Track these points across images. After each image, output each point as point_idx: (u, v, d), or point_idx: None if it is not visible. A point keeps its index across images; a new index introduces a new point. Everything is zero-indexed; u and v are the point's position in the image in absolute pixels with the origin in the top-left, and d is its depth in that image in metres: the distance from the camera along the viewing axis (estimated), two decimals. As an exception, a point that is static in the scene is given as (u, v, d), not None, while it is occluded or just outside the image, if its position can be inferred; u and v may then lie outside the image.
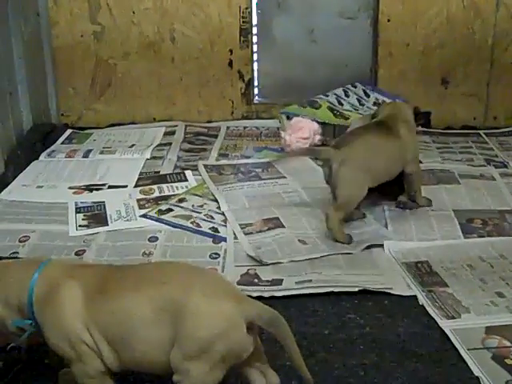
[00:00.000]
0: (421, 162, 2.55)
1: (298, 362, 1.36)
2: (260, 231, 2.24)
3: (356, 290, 1.89)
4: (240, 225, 2.27)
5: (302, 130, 2.99)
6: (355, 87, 3.37)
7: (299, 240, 2.17)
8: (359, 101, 3.31)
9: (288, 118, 3.10)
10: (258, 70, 3.52)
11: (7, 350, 1.50)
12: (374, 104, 3.03)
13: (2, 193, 2.57)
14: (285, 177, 2.69)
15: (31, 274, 1.39)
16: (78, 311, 1.34)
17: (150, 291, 1.32)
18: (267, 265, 2.03)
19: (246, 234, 2.22)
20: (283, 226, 2.26)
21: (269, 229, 2.25)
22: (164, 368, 1.32)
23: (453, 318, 1.75)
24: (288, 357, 1.37)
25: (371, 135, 2.26)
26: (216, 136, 3.29)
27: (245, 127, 3.42)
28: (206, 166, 2.80)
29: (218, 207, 2.41)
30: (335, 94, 3.29)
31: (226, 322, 1.29)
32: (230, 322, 1.29)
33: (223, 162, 2.89)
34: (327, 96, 3.28)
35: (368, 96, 3.33)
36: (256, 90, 3.55)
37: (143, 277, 1.38)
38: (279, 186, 2.61)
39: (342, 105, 3.26)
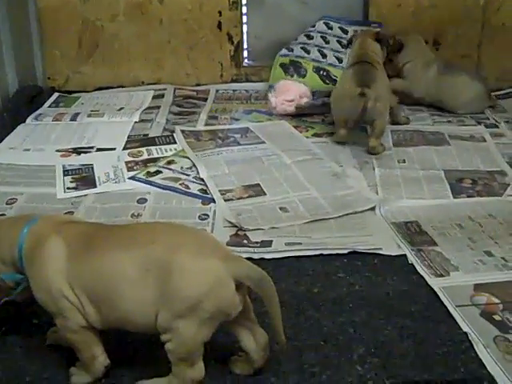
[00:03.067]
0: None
1: (277, 325, 1.35)
2: (240, 198, 2.21)
3: (346, 252, 1.89)
4: (220, 191, 2.24)
5: (288, 92, 2.98)
6: (314, 26, 3.36)
7: (280, 208, 2.15)
8: (339, 42, 3.29)
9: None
10: (247, 32, 3.48)
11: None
12: (346, 46, 3.02)
13: (-11, 156, 2.55)
14: (264, 142, 2.66)
15: (21, 229, 1.39)
16: (61, 267, 1.33)
17: (135, 250, 1.31)
18: (248, 231, 2.01)
19: (226, 200, 2.19)
20: (264, 194, 2.24)
21: (249, 196, 2.22)
22: (149, 327, 1.31)
23: (441, 275, 1.76)
24: (269, 318, 1.36)
25: (376, 70, 2.56)
26: (205, 99, 3.26)
27: (234, 90, 3.39)
28: (183, 132, 2.76)
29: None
30: (316, 46, 3.27)
31: (214, 279, 1.28)
32: (218, 279, 1.29)
33: (201, 128, 2.84)
34: (309, 53, 3.24)
35: (346, 32, 3.31)
36: (245, 53, 3.51)
37: (129, 236, 1.36)
38: (259, 150, 2.58)
39: (325, 57, 3.23)
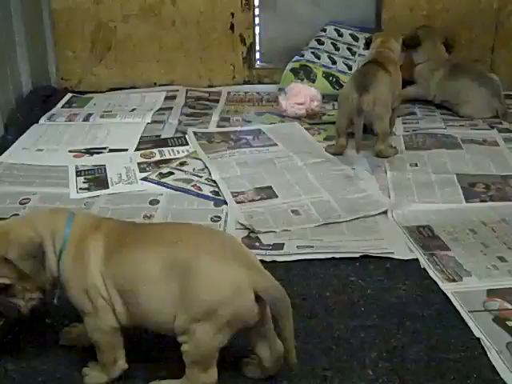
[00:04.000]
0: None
1: (289, 346, 1.35)
2: (252, 200, 2.22)
3: (358, 255, 1.89)
4: (232, 193, 2.25)
5: (298, 95, 2.98)
6: (325, 31, 3.39)
7: (292, 210, 2.15)
8: (350, 50, 3.30)
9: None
10: (259, 34, 3.48)
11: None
12: (366, 44, 3.00)
13: (2, 156, 2.56)
14: (276, 144, 2.66)
15: (63, 225, 1.37)
16: (99, 264, 1.34)
17: (161, 250, 1.31)
18: (260, 233, 2.01)
19: (238, 202, 2.20)
20: (276, 196, 2.24)
21: (261, 199, 2.23)
22: (168, 327, 1.31)
23: (454, 280, 1.75)
24: (281, 337, 1.35)
25: (381, 72, 2.51)
26: (217, 101, 3.26)
27: (246, 92, 3.40)
28: (195, 134, 2.77)
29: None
30: (326, 52, 3.28)
31: (234, 287, 1.28)
32: (238, 287, 1.28)
33: (213, 129, 2.85)
34: (319, 58, 3.25)
35: (357, 39, 3.31)
36: (258, 55, 3.51)
37: (157, 235, 1.37)
38: (271, 152, 2.58)
39: (335, 63, 3.24)
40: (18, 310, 1.36)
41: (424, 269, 1.82)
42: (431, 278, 1.77)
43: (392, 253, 1.90)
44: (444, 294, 1.70)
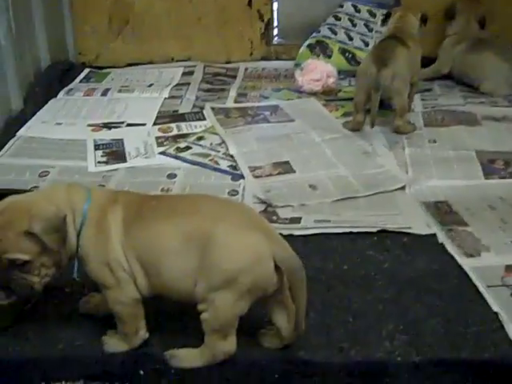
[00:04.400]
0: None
1: (299, 316, 1.35)
2: (270, 175, 2.22)
3: (375, 230, 1.88)
4: (249, 168, 2.25)
5: (315, 71, 2.96)
6: (342, 6, 3.36)
7: (310, 185, 2.15)
8: (367, 26, 3.27)
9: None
10: (277, 9, 3.46)
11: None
12: (384, 20, 2.96)
13: (22, 129, 2.58)
14: (293, 120, 2.65)
15: (81, 200, 1.37)
16: (119, 237, 1.34)
17: (180, 221, 1.32)
18: (277, 207, 2.01)
19: (255, 177, 2.20)
20: (293, 171, 2.24)
21: (279, 173, 2.23)
22: (190, 296, 1.32)
23: (472, 256, 1.75)
24: (293, 307, 1.36)
25: (400, 47, 2.49)
26: (234, 77, 3.25)
27: (263, 68, 3.38)
28: (213, 109, 2.76)
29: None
30: (343, 28, 3.25)
31: (254, 255, 1.29)
32: (258, 256, 1.29)
33: (230, 105, 2.85)
34: (336, 34, 3.23)
35: (374, 16, 3.29)
36: (275, 31, 3.49)
37: (176, 206, 1.38)
38: (288, 128, 2.57)
39: (352, 39, 3.21)
40: (31, 288, 1.34)
41: (442, 244, 1.81)
42: (449, 253, 1.77)
43: (409, 228, 1.90)
44: (462, 268, 1.70)
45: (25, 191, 1.51)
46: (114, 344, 1.42)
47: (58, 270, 1.38)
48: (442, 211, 1.97)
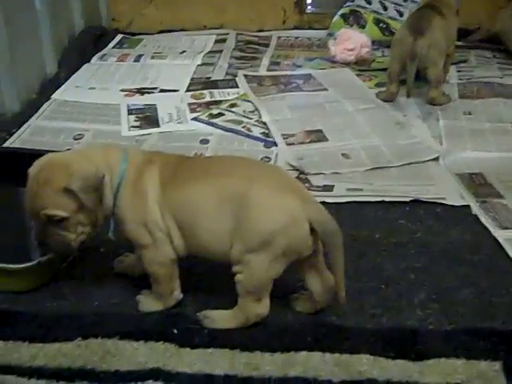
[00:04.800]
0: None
1: (339, 280, 1.35)
2: (302, 142, 2.21)
3: (408, 200, 1.88)
4: (282, 135, 2.25)
5: (348, 41, 2.93)
6: None
7: (342, 154, 2.14)
8: None
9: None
10: (311, -22, 3.42)
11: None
12: None
13: (56, 93, 2.60)
14: (326, 89, 2.63)
15: (119, 160, 1.38)
16: (156, 197, 1.35)
17: (216, 182, 1.33)
18: (310, 175, 2.01)
19: (288, 144, 2.20)
20: (326, 140, 2.23)
21: (311, 141, 2.22)
22: (225, 257, 1.33)
23: (507, 228, 1.73)
24: (332, 272, 1.37)
25: (437, 17, 2.45)
26: (267, 45, 3.23)
27: (296, 37, 3.35)
28: (246, 76, 2.75)
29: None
30: None
31: (289, 217, 1.29)
32: (293, 218, 1.29)
33: (263, 73, 2.83)
34: (370, 4, 3.19)
35: None
36: (309, 0, 3.45)
37: (211, 168, 1.38)
38: (321, 97, 2.56)
39: (386, 9, 3.17)
40: (67, 245, 1.36)
41: (475, 215, 1.80)
42: (482, 225, 1.76)
43: (443, 198, 1.88)
44: (496, 240, 1.69)
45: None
46: (148, 304, 1.44)
47: (94, 229, 1.40)
48: (476, 183, 1.96)
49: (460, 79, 2.70)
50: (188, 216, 1.34)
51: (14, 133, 2.27)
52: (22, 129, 2.30)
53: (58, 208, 1.32)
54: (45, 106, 2.49)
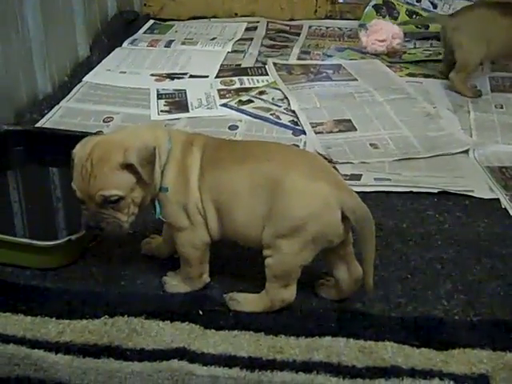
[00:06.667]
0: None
1: (368, 269, 1.35)
2: (331, 132, 2.21)
3: (436, 191, 1.87)
4: (311, 123, 2.24)
5: (380, 32, 2.90)
6: None
7: (370, 144, 2.13)
8: None
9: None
10: (345, -33, 3.39)
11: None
12: None
13: (87, 76, 2.62)
14: (356, 79, 2.62)
15: (165, 139, 1.36)
16: (197, 179, 1.35)
17: (252, 166, 1.33)
18: (337, 163, 2.00)
19: (316, 133, 2.19)
20: (355, 129, 2.22)
21: (340, 131, 2.21)
22: (257, 242, 1.34)
23: (536, 222, 1.72)
24: (362, 259, 1.36)
25: (486, 9, 2.44)
26: (298, 34, 3.22)
27: (327, 27, 3.32)
28: (275, 64, 2.75)
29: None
30: None
31: (322, 203, 1.29)
32: (326, 204, 1.29)
33: (293, 61, 2.82)
34: None
35: None
36: (342, -11, 3.44)
37: (249, 152, 1.38)
38: (351, 87, 2.54)
39: (420, 1, 3.14)
40: (121, 227, 1.33)
41: (505, 208, 1.79)
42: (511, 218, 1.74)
43: (472, 191, 1.87)
44: (525, 234, 1.68)
45: (92, 134, 1.54)
46: (175, 285, 1.46)
47: (141, 211, 1.38)
48: (506, 176, 1.94)
49: (493, 71, 2.67)
50: (225, 199, 1.34)
51: (46, 114, 2.29)
52: (54, 110, 2.32)
53: (116, 187, 1.29)
54: (76, 88, 2.51)
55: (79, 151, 1.33)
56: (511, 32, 2.42)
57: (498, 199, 1.84)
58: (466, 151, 2.09)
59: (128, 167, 1.29)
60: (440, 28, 2.61)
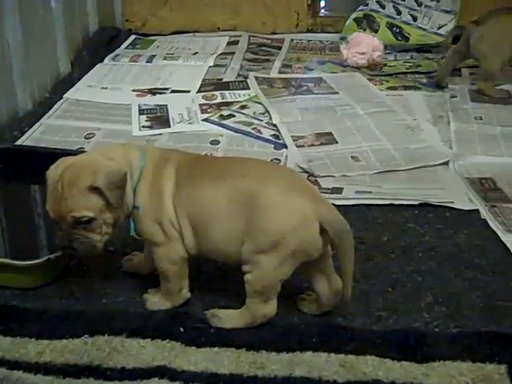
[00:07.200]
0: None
1: (347, 281, 1.36)
2: (312, 145, 2.21)
3: (416, 203, 1.88)
4: (292, 137, 2.25)
5: (361, 44, 2.93)
6: None
7: (352, 157, 2.15)
8: (416, 0, 3.20)
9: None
10: (325, -19, 3.43)
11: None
12: None
13: (69, 92, 2.62)
14: (337, 92, 2.64)
15: (137, 158, 1.38)
16: (172, 195, 1.36)
17: (228, 182, 1.34)
18: (319, 177, 2.01)
19: (298, 146, 2.20)
20: (336, 142, 2.23)
21: (321, 144, 2.22)
22: (235, 258, 1.34)
23: (515, 232, 1.73)
24: (341, 272, 1.37)
25: (509, 15, 2.49)
26: (279, 48, 3.24)
27: (309, 40, 3.36)
28: (257, 78, 2.76)
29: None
30: (391, 2, 3.21)
31: (300, 218, 1.29)
32: (303, 219, 1.30)
33: (274, 75, 2.84)
34: (384, 8, 3.19)
35: None
36: (322, 3, 3.46)
37: (225, 168, 1.39)
38: (332, 100, 2.56)
39: (400, 14, 3.17)
40: (93, 246, 1.34)
41: (484, 220, 1.80)
42: (491, 229, 1.75)
43: (452, 202, 1.88)
44: (504, 245, 1.68)
45: (72, 151, 1.54)
46: (156, 302, 1.45)
47: (115, 229, 1.39)
48: (485, 187, 1.95)
49: (472, 83, 2.69)
50: (201, 215, 1.35)
51: (26, 131, 2.28)
52: (34, 127, 2.32)
53: (85, 209, 1.31)
54: (57, 105, 2.51)
55: (52, 172, 1.35)
56: None
57: (477, 210, 1.85)
58: (446, 163, 2.11)
59: (96, 190, 1.30)
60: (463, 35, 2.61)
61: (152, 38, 3.33)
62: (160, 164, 1.39)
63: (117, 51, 3.11)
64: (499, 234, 1.72)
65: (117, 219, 1.37)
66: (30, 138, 2.25)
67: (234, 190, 1.32)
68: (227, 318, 1.39)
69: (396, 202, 1.88)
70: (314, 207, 1.30)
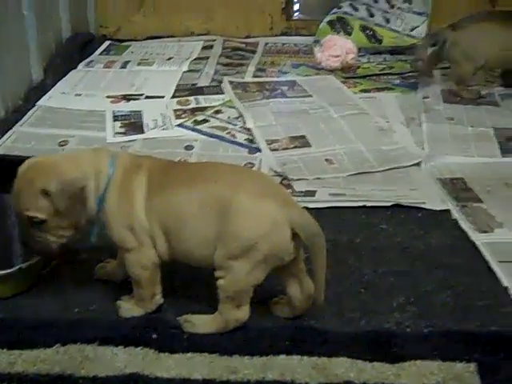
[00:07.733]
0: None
1: (319, 284, 1.37)
2: (286, 148, 2.22)
3: (389, 204, 1.90)
4: (266, 141, 2.26)
5: (334, 47, 2.95)
6: None
7: (326, 159, 2.16)
8: (389, 2, 3.23)
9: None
10: (298, -16, 3.45)
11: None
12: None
13: (42, 99, 2.61)
14: (311, 95, 2.65)
15: (107, 164, 1.38)
16: (143, 201, 1.36)
17: (200, 188, 1.34)
18: (292, 180, 2.02)
19: (271, 150, 2.21)
20: (310, 145, 2.24)
21: (295, 147, 2.23)
22: (208, 263, 1.34)
23: (485, 232, 1.75)
24: (313, 275, 1.38)
25: (488, 23, 2.46)
26: (254, 52, 3.25)
27: (283, 44, 3.37)
28: (231, 83, 2.77)
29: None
30: (364, 4, 3.24)
31: (271, 223, 1.30)
32: (275, 224, 1.30)
33: (248, 79, 2.85)
34: (357, 11, 3.21)
35: None
36: (296, 6, 3.48)
37: (196, 174, 1.40)
38: (306, 103, 2.57)
39: (373, 16, 3.19)
40: (47, 246, 1.37)
41: (455, 220, 1.82)
42: (462, 229, 1.77)
43: (424, 203, 1.90)
44: (474, 244, 1.70)
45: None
46: (129, 309, 1.45)
47: (76, 233, 1.40)
48: (457, 188, 1.98)
49: (444, 83, 2.72)
50: (173, 221, 1.35)
51: (-1, 139, 2.28)
52: (7, 135, 2.31)
53: (37, 210, 1.33)
54: (30, 112, 2.49)
55: (19, 170, 1.37)
56: (509, 44, 2.44)
57: (449, 210, 1.87)
58: (418, 164, 2.13)
59: (47, 194, 1.32)
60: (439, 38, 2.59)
61: (126, 43, 3.32)
62: (131, 170, 1.39)
63: (91, 57, 3.10)
64: (470, 233, 1.74)
65: (75, 224, 1.38)
66: (3, 146, 2.23)
67: (206, 195, 1.33)
68: (200, 323, 1.40)
69: (369, 204, 1.90)
70: (284, 211, 1.31)
